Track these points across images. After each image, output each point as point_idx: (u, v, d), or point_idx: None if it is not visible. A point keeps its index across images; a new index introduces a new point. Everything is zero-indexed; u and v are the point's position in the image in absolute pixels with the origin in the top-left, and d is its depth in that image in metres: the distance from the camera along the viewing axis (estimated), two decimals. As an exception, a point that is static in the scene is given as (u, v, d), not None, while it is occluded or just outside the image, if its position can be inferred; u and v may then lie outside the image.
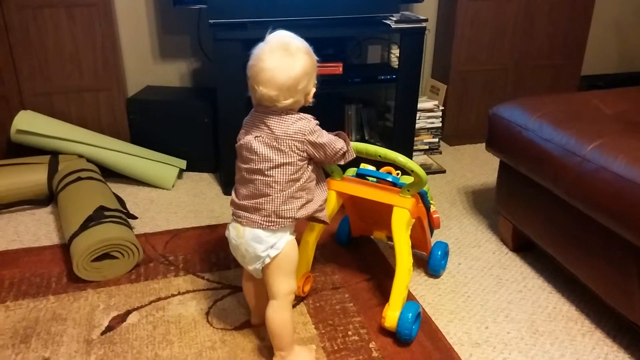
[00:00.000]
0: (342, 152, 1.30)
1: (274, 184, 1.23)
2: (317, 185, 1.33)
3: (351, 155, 1.34)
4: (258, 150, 1.22)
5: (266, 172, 1.23)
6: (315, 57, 1.26)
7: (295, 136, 1.22)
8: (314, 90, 1.28)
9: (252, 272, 1.33)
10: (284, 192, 1.23)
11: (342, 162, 1.33)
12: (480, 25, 2.66)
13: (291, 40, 1.23)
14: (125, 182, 2.33)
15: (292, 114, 1.24)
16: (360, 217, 1.79)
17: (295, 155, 1.23)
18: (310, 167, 1.28)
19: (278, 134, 1.22)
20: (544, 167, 1.57)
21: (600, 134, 1.47)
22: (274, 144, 1.22)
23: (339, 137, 1.32)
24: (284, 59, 1.19)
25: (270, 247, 1.26)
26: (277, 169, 1.22)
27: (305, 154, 1.25)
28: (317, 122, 1.27)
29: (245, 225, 1.26)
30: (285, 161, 1.22)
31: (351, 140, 1.42)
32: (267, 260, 1.27)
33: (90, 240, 1.63)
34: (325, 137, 1.27)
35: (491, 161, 2.56)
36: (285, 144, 1.22)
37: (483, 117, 2.75)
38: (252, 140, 1.23)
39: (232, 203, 1.31)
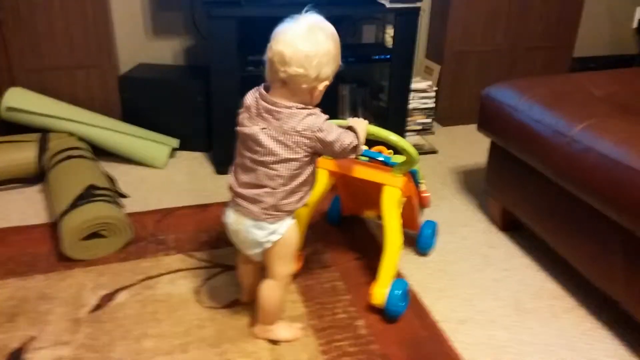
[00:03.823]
0: (351, 146, 1.25)
1: (277, 178, 1.21)
2: (314, 177, 1.30)
3: (361, 149, 1.29)
4: (264, 143, 1.19)
5: (270, 165, 1.20)
6: (339, 53, 1.22)
7: (305, 133, 1.18)
8: (326, 83, 1.22)
9: (252, 257, 1.33)
10: (286, 187, 1.22)
11: (352, 156, 1.29)
12: (475, 6, 2.64)
13: (320, 22, 1.19)
14: (117, 160, 2.32)
15: (301, 107, 1.19)
16: (351, 197, 1.79)
17: (301, 151, 1.20)
18: (312, 163, 1.25)
19: (286, 128, 1.18)
20: (533, 147, 1.57)
21: (589, 115, 1.48)
22: (280, 138, 1.18)
23: (349, 131, 1.27)
24: (310, 36, 1.16)
25: (271, 233, 1.25)
26: (281, 164, 1.20)
27: (313, 150, 1.21)
28: (327, 117, 1.22)
29: (244, 215, 1.25)
30: (290, 157, 1.19)
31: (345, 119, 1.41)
32: (268, 245, 1.27)
33: (80, 219, 1.63)
34: (334, 133, 1.21)
35: (483, 142, 2.54)
36: (292, 140, 1.18)
37: (476, 98, 2.70)
38: (259, 132, 1.19)
39: (231, 189, 1.29)
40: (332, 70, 1.22)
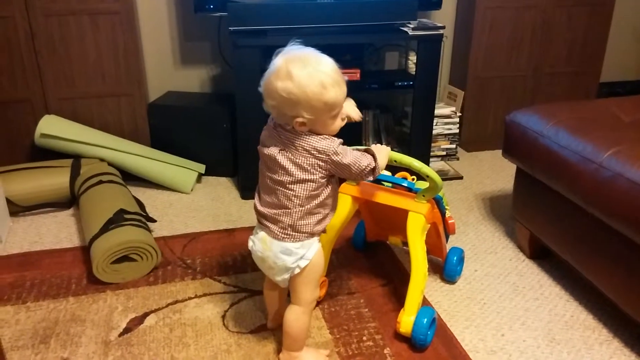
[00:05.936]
0: (368, 168, 1.25)
1: (294, 198, 1.23)
2: (334, 199, 1.31)
3: (380, 171, 1.30)
4: (282, 163, 1.21)
5: (287, 185, 1.22)
6: (340, 86, 1.22)
7: (320, 156, 1.20)
8: (300, 120, 1.18)
9: (279, 283, 1.33)
10: (303, 208, 1.23)
11: (370, 178, 1.30)
12: (498, 32, 2.65)
13: (299, 58, 1.20)
14: (145, 185, 2.37)
15: (314, 134, 1.21)
16: (375, 222, 1.79)
17: (317, 172, 1.22)
18: (330, 185, 1.27)
19: (301, 151, 1.21)
20: (560, 174, 1.56)
21: (617, 142, 1.46)
22: (297, 160, 1.21)
23: (367, 154, 1.28)
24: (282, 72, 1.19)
25: (300, 258, 1.26)
26: (298, 184, 1.22)
27: (329, 172, 1.24)
28: (341, 140, 1.24)
29: (267, 234, 1.27)
30: (306, 178, 1.21)
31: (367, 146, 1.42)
32: (297, 271, 1.28)
33: (110, 243, 1.66)
34: (349, 156, 1.22)
35: (509, 168, 2.55)
36: (308, 162, 1.21)
37: (500, 123, 2.73)
38: (277, 153, 1.22)
39: (255, 208, 1.31)
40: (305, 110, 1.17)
